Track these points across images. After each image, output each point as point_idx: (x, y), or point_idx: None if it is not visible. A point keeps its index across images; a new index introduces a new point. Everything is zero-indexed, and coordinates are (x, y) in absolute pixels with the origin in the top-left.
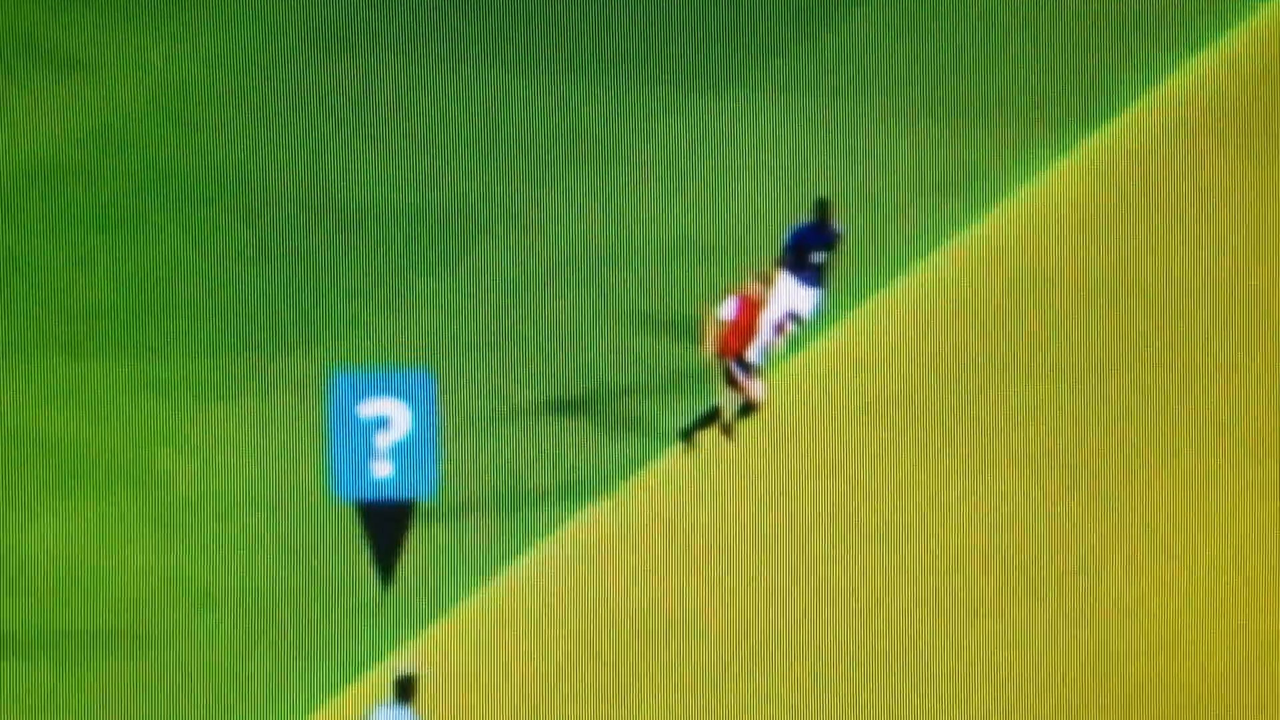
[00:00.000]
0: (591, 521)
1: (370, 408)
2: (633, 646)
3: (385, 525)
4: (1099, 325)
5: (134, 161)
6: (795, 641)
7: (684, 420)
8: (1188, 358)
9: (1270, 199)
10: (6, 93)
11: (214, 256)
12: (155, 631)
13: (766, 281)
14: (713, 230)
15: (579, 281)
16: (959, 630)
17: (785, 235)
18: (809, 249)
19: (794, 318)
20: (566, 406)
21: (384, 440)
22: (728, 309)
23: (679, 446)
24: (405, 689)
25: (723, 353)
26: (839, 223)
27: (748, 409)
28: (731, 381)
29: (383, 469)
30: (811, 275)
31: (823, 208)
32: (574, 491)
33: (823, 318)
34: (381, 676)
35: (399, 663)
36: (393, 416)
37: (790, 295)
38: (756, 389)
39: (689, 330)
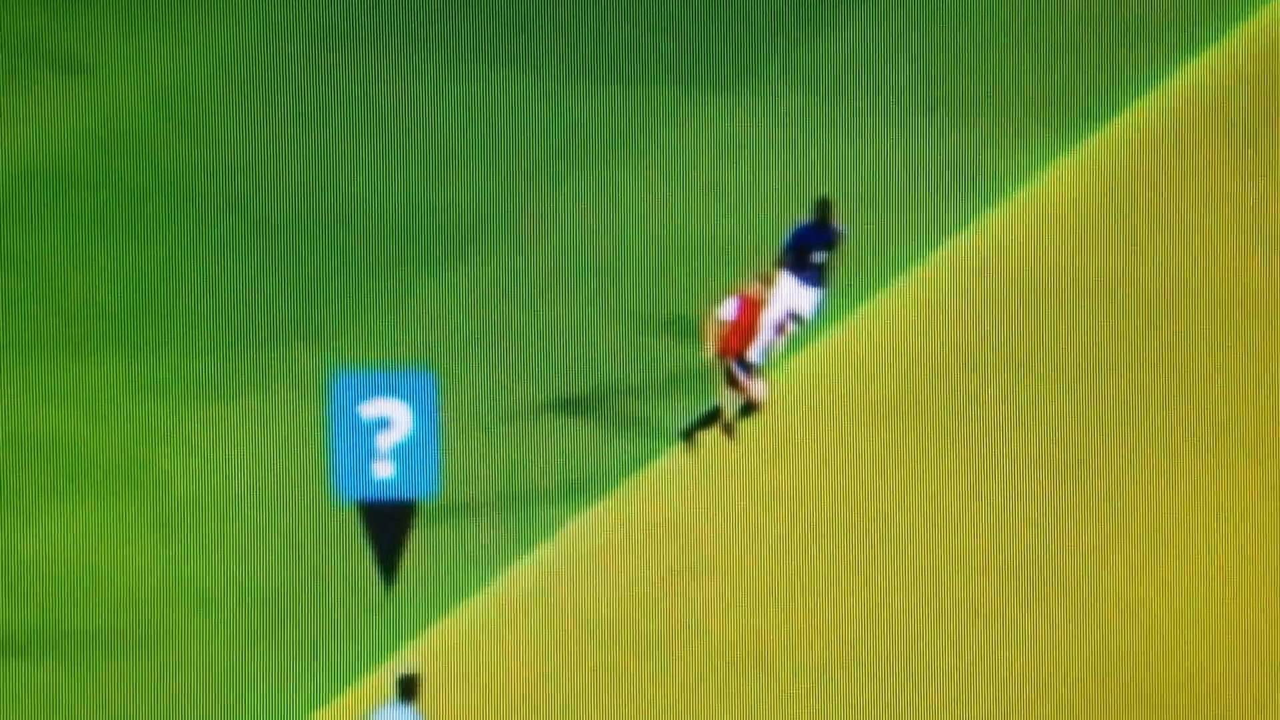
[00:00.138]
0: (593, 521)
1: (372, 408)
2: (634, 646)
3: (387, 525)
4: (1099, 325)
5: (135, 162)
6: (795, 641)
7: (685, 420)
8: (1188, 358)
9: (1270, 199)
10: (7, 94)
11: (215, 256)
12: (156, 632)
13: (767, 281)
14: (714, 230)
15: (580, 281)
16: (959, 630)
17: (786, 235)
18: (810, 249)
19: (795, 317)
20: (568, 406)
21: (385, 440)
22: (728, 309)
23: (680, 446)
24: (408, 688)
25: (724, 352)
26: (840, 222)
27: (749, 409)
28: (732, 381)
29: (384, 469)
30: (812, 275)
31: (823, 207)
32: (575, 491)
33: (824, 317)
34: (384, 677)
35: (401, 664)
36: (394, 417)
37: (791, 295)
38: (757, 389)
39: (690, 330)
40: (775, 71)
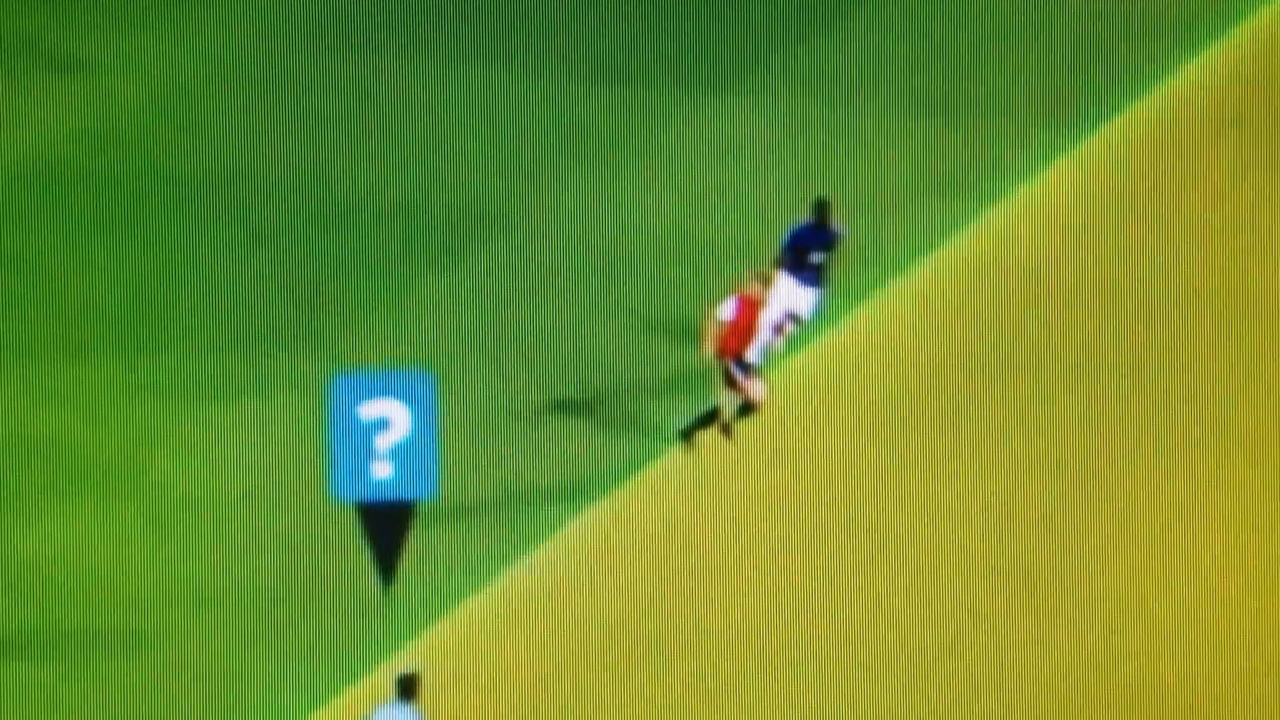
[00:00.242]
0: (591, 522)
1: (371, 409)
2: (633, 646)
3: (385, 526)
4: (1098, 326)
5: (134, 162)
6: (795, 642)
7: (684, 420)
8: (1187, 359)
9: (1270, 200)
10: (7, 94)
11: (214, 257)
12: (156, 632)
13: (766, 282)
14: (712, 230)
15: (579, 282)
16: (958, 631)
17: (784, 235)
18: (808, 249)
19: (793, 318)
20: (566, 407)
21: (384, 441)
22: (727, 309)
23: (679, 447)
24: (407, 687)
25: (722, 353)
26: (838, 223)
27: (747, 409)
28: (731, 382)
29: (383, 470)
30: (811, 275)
31: (822, 208)
32: (574, 492)
33: (822, 318)
34: (383, 677)
35: (400, 664)
36: (393, 417)
37: (789, 295)
38: (756, 389)
39: (688, 331)
40: (774, 72)
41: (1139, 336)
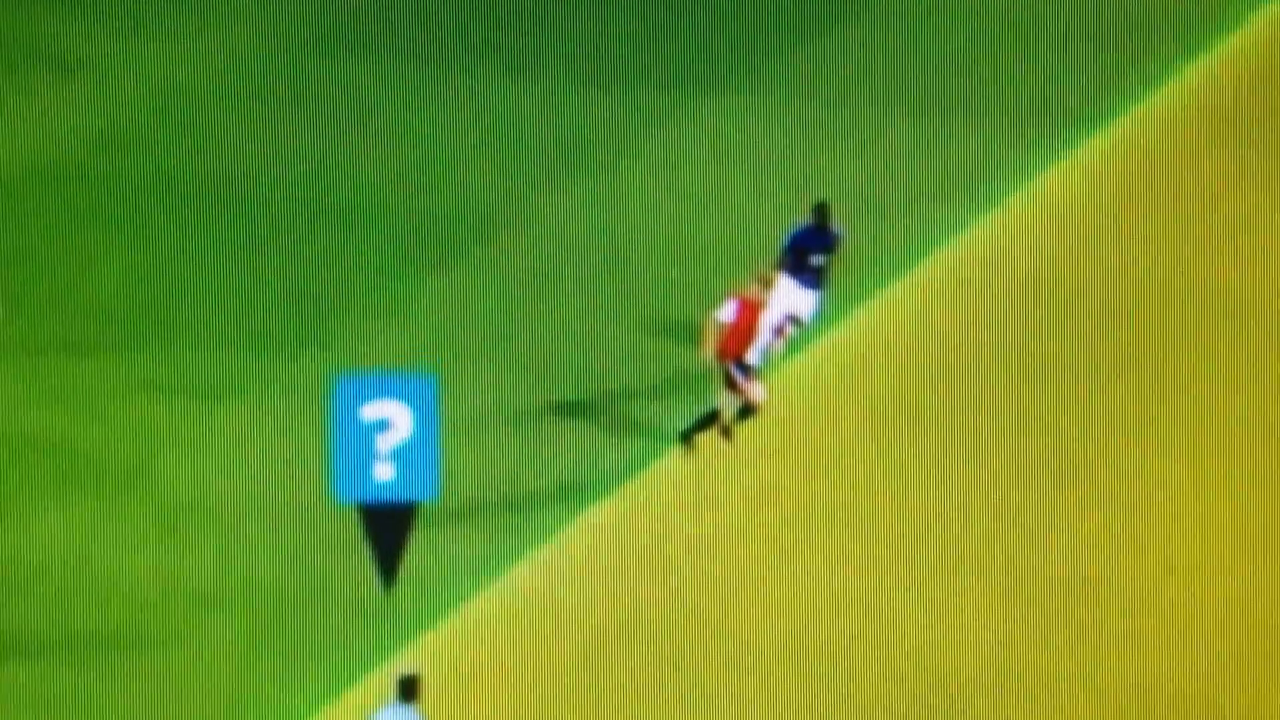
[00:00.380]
0: (592, 524)
1: (372, 410)
2: (633, 647)
3: (387, 527)
4: (1098, 327)
5: (136, 163)
6: (794, 642)
7: (684, 422)
8: (1188, 360)
9: (1270, 201)
10: (7, 94)
11: (215, 258)
12: (157, 633)
13: (766, 284)
14: (712, 233)
15: (579, 284)
16: (959, 632)
17: (784, 238)
18: (808, 251)
19: (794, 320)
20: (567, 409)
21: (385, 443)
22: (727, 311)
23: (679, 449)
24: (408, 689)
25: (722, 355)
26: (838, 225)
27: (747, 411)
28: (731, 384)
29: (384, 471)
30: (811, 278)
31: (822, 210)
32: (574, 493)
33: (822, 320)
34: (384, 678)
35: (401, 665)
36: (394, 419)
37: (790, 298)
38: (756, 391)
39: (688, 333)
40: (774, 75)
41: (1137, 340)
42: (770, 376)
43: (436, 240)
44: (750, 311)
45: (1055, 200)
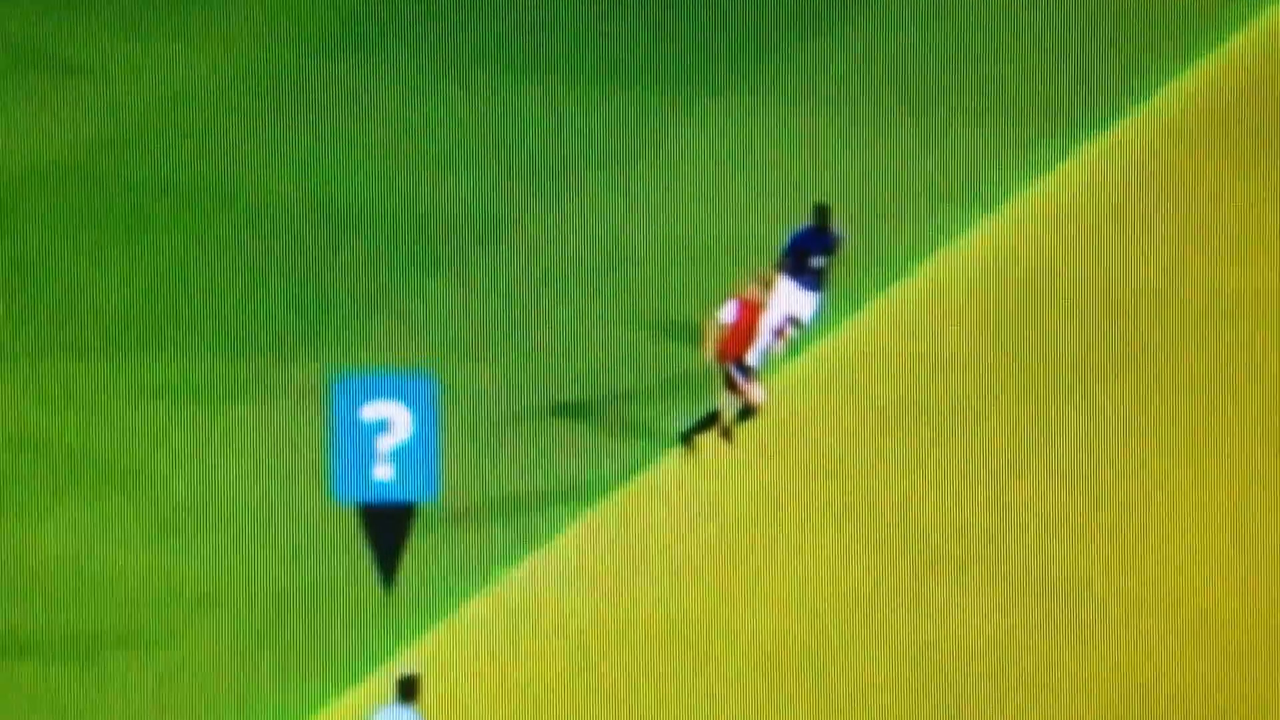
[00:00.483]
0: (592, 524)
1: (371, 411)
2: (633, 649)
3: (386, 528)
4: (1098, 330)
5: (136, 166)
6: (795, 644)
7: (684, 424)
8: (1188, 361)
9: (1268, 204)
10: (7, 94)
11: (216, 260)
12: (156, 634)
13: (766, 285)
14: (713, 234)
15: (579, 285)
16: (960, 632)
17: (785, 239)
18: (809, 253)
19: (794, 322)
20: (567, 410)
21: (385, 443)
22: (728, 312)
23: (679, 450)
24: (408, 689)
25: (722, 356)
26: (839, 227)
27: (747, 412)
28: (731, 385)
29: (384, 472)
30: (811, 279)
31: (822, 212)
32: (574, 494)
33: (822, 322)
34: (383, 679)
35: (401, 665)
36: (394, 419)
37: (790, 299)
38: (756, 392)
39: (689, 334)
40: (775, 77)
41: (1139, 341)
42: (770, 378)
43: (436, 241)
44: (750, 313)
45: (1056, 202)
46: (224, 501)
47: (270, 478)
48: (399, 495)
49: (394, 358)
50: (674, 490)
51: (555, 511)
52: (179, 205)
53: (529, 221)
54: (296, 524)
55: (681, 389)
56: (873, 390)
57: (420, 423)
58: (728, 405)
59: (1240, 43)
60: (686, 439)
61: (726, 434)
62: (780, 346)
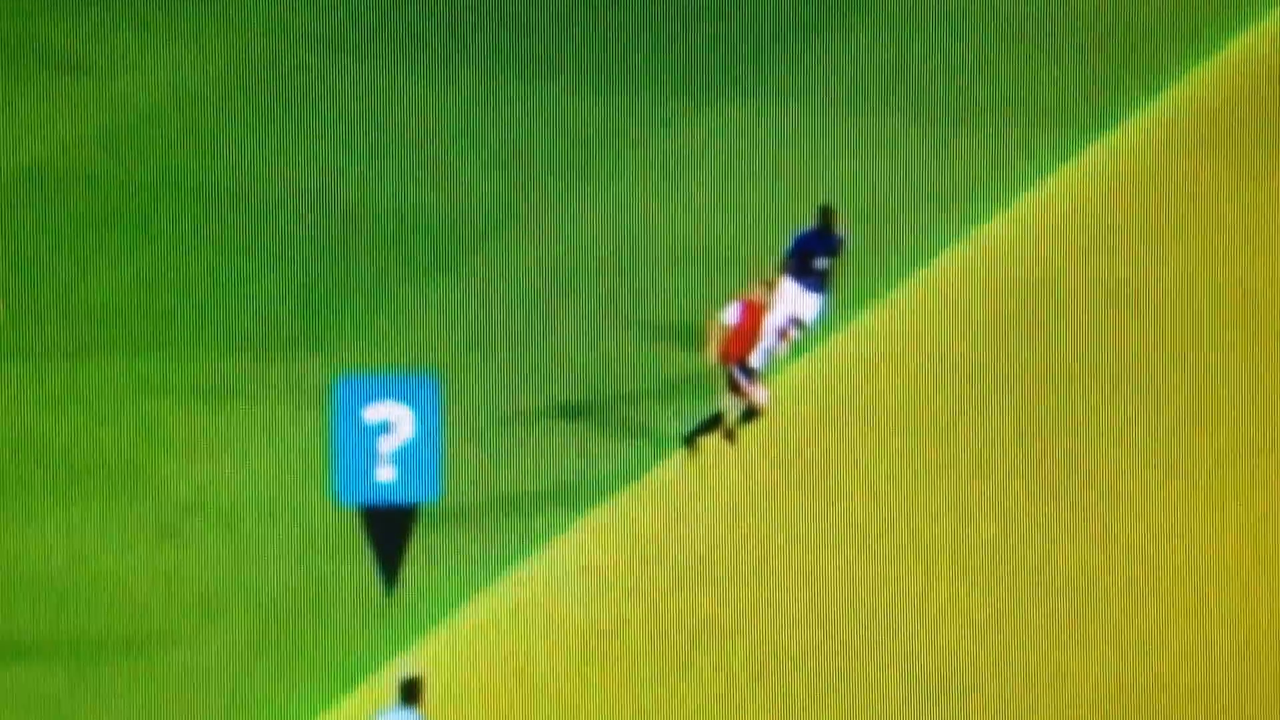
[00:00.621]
0: (594, 526)
1: (374, 412)
2: (635, 650)
3: (389, 529)
4: (1100, 333)
5: (139, 165)
6: (796, 646)
7: (687, 425)
8: (1189, 366)
9: (1269, 205)
10: (7, 94)
11: (219, 260)
12: (157, 635)
13: (770, 287)
14: (716, 236)
15: (582, 287)
16: (961, 634)
17: (788, 241)
18: (812, 255)
19: (797, 323)
20: (570, 411)
21: (387, 445)
22: (731, 314)
23: (682, 451)
24: (410, 691)
25: (726, 358)
26: (842, 229)
27: (750, 414)
28: (734, 387)
29: (386, 473)
30: (815, 281)
31: (826, 214)
32: (576, 496)
33: (826, 324)
34: (386, 681)
35: (403, 668)
36: (396, 421)
37: (793, 301)
38: (759, 394)
39: (692, 335)
40: (778, 79)
41: (1140, 344)
42: (773, 379)
43: (439, 242)
44: (754, 314)
45: (1059, 205)
46: (226, 503)
47: (272, 479)
48: (401, 496)
49: (397, 359)
50: (677, 492)
51: (558, 513)
52: (180, 205)
53: (532, 223)
54: (298, 525)
55: (685, 391)
56: (876, 392)
57: (423, 424)
58: (731, 407)
59: (1241, 44)
60: (689, 441)
61: (730, 436)
62: (784, 348)
